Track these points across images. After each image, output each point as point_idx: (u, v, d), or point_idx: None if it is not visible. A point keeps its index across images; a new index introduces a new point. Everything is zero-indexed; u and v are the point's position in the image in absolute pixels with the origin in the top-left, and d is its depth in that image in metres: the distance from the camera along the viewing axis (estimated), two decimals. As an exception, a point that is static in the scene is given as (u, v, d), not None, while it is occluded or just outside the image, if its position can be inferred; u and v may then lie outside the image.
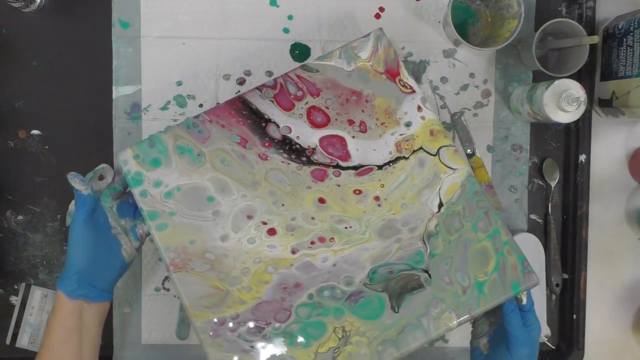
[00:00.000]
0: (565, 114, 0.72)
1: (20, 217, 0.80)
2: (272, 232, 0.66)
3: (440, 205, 0.67)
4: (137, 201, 0.65)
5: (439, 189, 0.67)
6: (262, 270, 0.65)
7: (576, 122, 0.78)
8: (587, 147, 0.80)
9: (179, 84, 0.80)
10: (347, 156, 0.68)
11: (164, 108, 0.80)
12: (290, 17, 0.80)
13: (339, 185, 0.67)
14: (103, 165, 0.78)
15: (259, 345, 0.63)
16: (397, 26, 0.80)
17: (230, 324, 0.63)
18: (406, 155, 0.68)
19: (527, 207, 0.82)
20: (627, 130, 0.83)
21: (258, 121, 0.68)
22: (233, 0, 0.80)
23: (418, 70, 0.81)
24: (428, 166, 0.67)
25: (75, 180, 0.64)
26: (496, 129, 0.81)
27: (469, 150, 0.80)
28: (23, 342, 0.80)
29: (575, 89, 0.71)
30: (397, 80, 0.69)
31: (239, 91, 0.80)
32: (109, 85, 0.80)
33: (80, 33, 0.80)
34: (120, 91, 0.80)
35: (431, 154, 0.68)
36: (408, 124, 0.68)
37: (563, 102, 0.71)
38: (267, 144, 0.67)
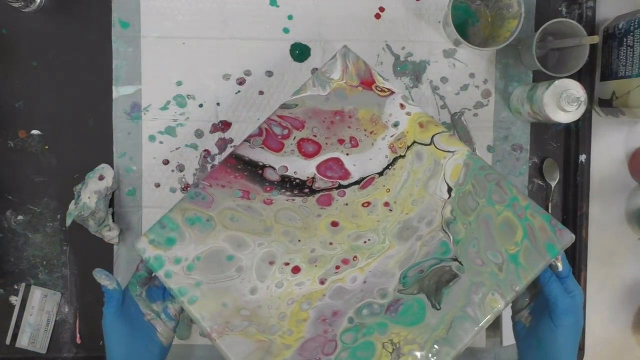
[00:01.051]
0: (566, 114, 0.72)
1: (20, 217, 0.80)
2: (296, 270, 0.65)
3: (450, 190, 0.66)
4: (164, 282, 0.65)
5: (443, 174, 0.67)
6: (297, 310, 0.64)
7: (576, 122, 0.78)
8: (587, 147, 0.80)
9: (179, 84, 0.80)
10: (346, 174, 0.68)
11: (164, 108, 0.80)
12: (290, 17, 0.80)
13: (346, 204, 0.67)
14: (103, 165, 0.78)
15: None
16: (397, 26, 0.80)
17: None
18: (402, 154, 0.68)
19: (527, 207, 0.82)
20: (627, 130, 0.83)
21: (254, 170, 0.68)
22: (233, 0, 0.80)
23: (418, 70, 0.81)
24: (426, 156, 0.67)
25: (100, 277, 0.65)
26: (496, 129, 0.81)
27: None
28: (23, 342, 0.80)
29: (576, 89, 0.71)
30: (373, 88, 0.69)
31: (239, 91, 0.80)
32: (109, 85, 0.80)
33: (80, 33, 0.80)
34: (120, 91, 0.80)
35: (426, 144, 0.68)
36: (396, 124, 0.68)
37: (563, 102, 0.71)
38: (268, 189, 0.67)
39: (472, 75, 0.81)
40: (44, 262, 0.80)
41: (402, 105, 0.69)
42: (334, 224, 0.66)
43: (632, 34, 0.73)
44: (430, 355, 0.62)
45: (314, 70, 0.80)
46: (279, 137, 0.69)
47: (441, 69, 0.81)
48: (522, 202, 0.65)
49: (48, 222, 0.80)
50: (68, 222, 0.76)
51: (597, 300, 0.83)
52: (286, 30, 0.80)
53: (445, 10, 0.74)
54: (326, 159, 0.68)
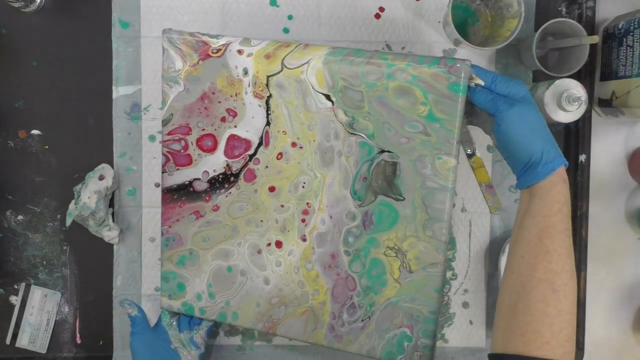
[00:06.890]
0: (566, 114, 0.72)
1: (20, 217, 0.80)
2: (279, 244, 0.69)
3: (328, 97, 0.65)
4: (206, 319, 0.73)
5: (312, 87, 0.66)
6: (306, 273, 0.69)
7: (576, 122, 0.78)
8: (587, 147, 0.80)
9: (179, 84, 0.80)
10: (248, 143, 0.69)
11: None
12: (290, 17, 0.80)
13: (267, 167, 0.69)
14: (103, 165, 0.79)
15: (365, 315, 0.68)
16: (397, 26, 0.80)
17: (336, 323, 0.69)
18: (268, 94, 0.67)
19: (527, 207, 0.82)
20: (627, 130, 0.83)
21: (187, 191, 0.71)
22: (233, 0, 0.80)
23: (418, 70, 0.81)
24: (287, 83, 0.66)
25: (124, 305, 0.74)
26: (496, 129, 0.81)
27: (468, 150, 0.80)
28: (23, 342, 0.80)
29: (576, 89, 0.71)
30: (210, 53, 0.68)
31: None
32: (109, 85, 0.80)
33: (80, 33, 0.80)
34: (120, 91, 0.80)
35: (278, 72, 0.66)
36: (246, 72, 0.67)
37: (564, 101, 0.71)
38: (207, 198, 0.71)
39: (472, 75, 0.81)
40: (44, 262, 0.80)
41: (240, 52, 0.67)
42: (271, 189, 0.69)
43: (632, 34, 0.73)
44: (427, 238, 0.65)
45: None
46: (182, 151, 0.71)
47: (441, 69, 0.81)
48: (400, 65, 0.62)
49: (48, 222, 0.80)
50: (68, 222, 0.76)
51: (597, 300, 0.83)
52: (286, 30, 0.80)
53: (445, 10, 0.74)
54: (225, 142, 0.69)
